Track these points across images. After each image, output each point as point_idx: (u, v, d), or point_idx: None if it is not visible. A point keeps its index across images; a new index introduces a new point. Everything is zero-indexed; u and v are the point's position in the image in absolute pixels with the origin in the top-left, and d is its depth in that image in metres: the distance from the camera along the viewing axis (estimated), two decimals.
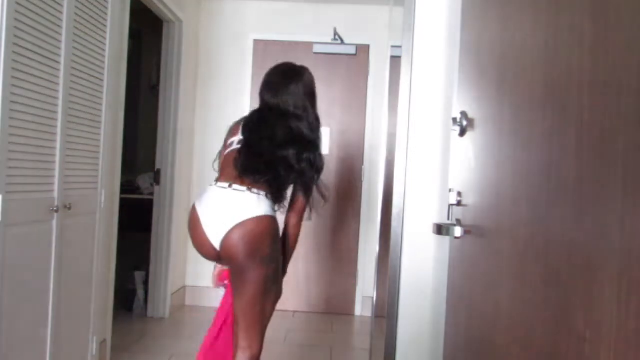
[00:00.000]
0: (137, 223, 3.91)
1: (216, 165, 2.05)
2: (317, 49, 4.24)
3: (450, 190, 1.46)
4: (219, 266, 2.11)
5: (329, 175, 4.30)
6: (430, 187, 2.04)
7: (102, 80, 2.46)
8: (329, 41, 4.22)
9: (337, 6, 4.26)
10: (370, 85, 4.28)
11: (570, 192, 0.78)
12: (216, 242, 1.86)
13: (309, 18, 4.28)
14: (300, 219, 2.01)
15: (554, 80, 0.86)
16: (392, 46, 2.71)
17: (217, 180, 1.94)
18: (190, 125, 4.20)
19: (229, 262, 1.88)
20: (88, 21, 2.28)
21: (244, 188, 1.85)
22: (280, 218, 1.97)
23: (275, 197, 1.92)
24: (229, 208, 1.84)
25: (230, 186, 1.86)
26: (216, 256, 1.91)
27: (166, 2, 3.43)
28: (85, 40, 2.27)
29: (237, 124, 2.08)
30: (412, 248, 2.05)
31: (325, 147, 4.30)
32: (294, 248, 2.05)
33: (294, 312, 4.25)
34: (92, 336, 2.51)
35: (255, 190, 1.86)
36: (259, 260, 1.83)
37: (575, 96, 0.78)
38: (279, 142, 1.91)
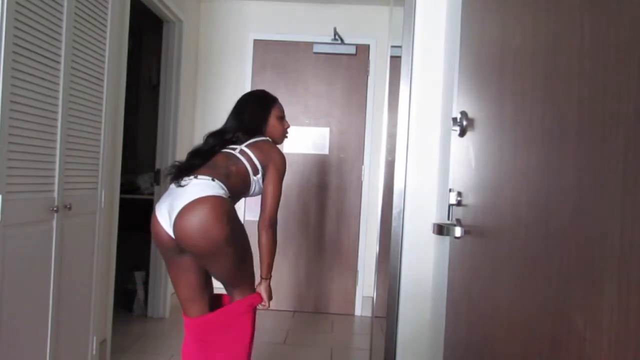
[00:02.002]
0: (137, 223, 3.91)
1: None
2: (317, 49, 4.24)
3: (450, 190, 1.46)
4: None
5: (329, 175, 4.30)
6: (430, 187, 2.04)
7: (102, 80, 2.46)
8: (329, 41, 4.22)
9: (337, 6, 4.26)
10: (370, 85, 4.28)
11: (570, 192, 0.78)
12: (168, 228, 1.89)
13: (309, 18, 4.28)
14: (267, 227, 2.00)
15: (554, 80, 0.86)
16: (392, 46, 2.71)
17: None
18: (190, 125, 4.20)
19: (190, 249, 1.88)
20: (88, 21, 2.28)
21: (191, 177, 1.92)
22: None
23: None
24: (177, 195, 1.90)
25: (178, 181, 1.94)
26: (174, 245, 1.92)
27: (166, 2, 3.43)
28: (85, 40, 2.27)
29: None
30: (412, 248, 2.05)
31: (325, 147, 4.30)
32: (267, 259, 2.02)
33: (294, 312, 4.26)
34: (92, 336, 2.51)
35: (201, 177, 1.91)
36: (222, 243, 1.84)
37: (575, 96, 0.78)
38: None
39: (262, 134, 2.17)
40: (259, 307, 2.09)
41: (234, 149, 2.07)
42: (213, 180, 1.90)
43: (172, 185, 1.97)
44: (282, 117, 2.24)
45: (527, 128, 0.96)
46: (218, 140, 2.10)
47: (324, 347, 3.46)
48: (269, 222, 2.00)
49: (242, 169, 2.02)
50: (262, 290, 2.08)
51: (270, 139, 2.18)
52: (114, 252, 2.91)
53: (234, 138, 2.10)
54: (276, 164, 2.05)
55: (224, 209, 1.85)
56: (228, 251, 1.88)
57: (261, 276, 2.07)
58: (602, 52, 0.71)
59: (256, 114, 2.18)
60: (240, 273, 2.01)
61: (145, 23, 3.81)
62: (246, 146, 2.06)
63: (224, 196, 1.89)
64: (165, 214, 1.90)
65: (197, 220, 1.81)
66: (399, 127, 2.09)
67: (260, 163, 2.04)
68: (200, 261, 1.96)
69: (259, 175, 2.05)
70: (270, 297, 2.09)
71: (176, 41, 3.81)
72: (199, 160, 2.00)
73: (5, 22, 1.72)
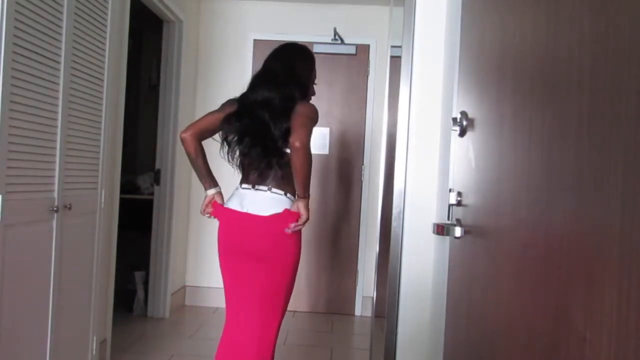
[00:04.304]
0: (137, 223, 3.91)
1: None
2: (317, 49, 4.24)
3: (450, 190, 1.46)
4: (210, 194, 2.13)
5: (329, 175, 4.30)
6: (430, 187, 2.04)
7: (102, 80, 2.46)
8: (329, 41, 4.22)
9: (337, 6, 4.26)
10: (370, 85, 4.28)
11: (570, 192, 0.78)
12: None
13: (309, 18, 4.28)
14: (298, 148, 1.87)
15: (554, 80, 0.86)
16: (392, 46, 2.71)
17: (241, 182, 2.08)
18: None
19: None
20: (88, 21, 2.28)
21: (265, 188, 2.02)
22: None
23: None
24: (261, 202, 2.00)
25: (253, 187, 2.03)
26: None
27: (166, 2, 3.43)
28: (85, 40, 2.27)
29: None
30: (412, 248, 2.05)
31: (325, 147, 4.30)
32: (301, 179, 1.94)
33: (294, 312, 4.26)
34: (92, 336, 2.51)
35: (275, 191, 2.02)
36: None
37: (575, 96, 0.78)
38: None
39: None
40: (292, 226, 1.99)
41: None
42: (285, 195, 2.02)
43: (244, 190, 2.04)
44: (315, 83, 2.22)
45: (527, 128, 0.96)
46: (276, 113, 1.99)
47: (324, 347, 3.46)
48: (301, 144, 1.87)
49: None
50: (299, 206, 1.99)
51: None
52: (114, 252, 2.91)
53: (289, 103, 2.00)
54: (302, 112, 1.97)
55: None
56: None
57: (298, 196, 2.00)
58: (602, 52, 0.71)
59: (308, 80, 2.15)
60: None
61: (145, 23, 3.81)
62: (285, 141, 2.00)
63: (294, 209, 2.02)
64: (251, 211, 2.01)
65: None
66: (399, 127, 2.09)
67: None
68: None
69: None
70: (307, 213, 2.00)
71: (176, 41, 3.81)
72: (271, 159, 1.99)
73: (5, 22, 1.72)
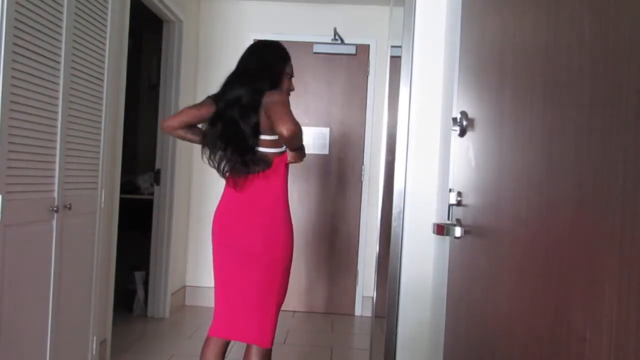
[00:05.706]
0: (137, 223, 3.91)
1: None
2: (317, 49, 4.24)
3: (450, 190, 1.46)
4: None
5: (329, 175, 4.30)
6: (430, 187, 2.04)
7: (102, 80, 2.46)
8: (329, 41, 4.22)
9: (337, 6, 4.26)
10: (370, 85, 4.28)
11: (570, 192, 0.78)
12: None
13: (309, 18, 4.28)
14: (286, 138, 1.88)
15: (554, 80, 0.86)
16: (392, 46, 2.71)
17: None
18: None
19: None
20: (88, 21, 2.28)
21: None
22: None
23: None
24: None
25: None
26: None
27: (166, 2, 3.43)
28: (85, 40, 2.27)
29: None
30: (412, 248, 2.05)
31: (325, 147, 4.30)
32: (293, 146, 1.99)
33: (294, 312, 4.26)
34: (92, 336, 2.51)
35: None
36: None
37: (575, 96, 0.78)
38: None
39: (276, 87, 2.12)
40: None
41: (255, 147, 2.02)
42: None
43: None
44: (292, 76, 2.21)
45: (527, 128, 0.96)
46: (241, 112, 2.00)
47: (324, 347, 3.46)
48: (288, 132, 1.85)
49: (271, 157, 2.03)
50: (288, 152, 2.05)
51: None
52: (114, 252, 2.91)
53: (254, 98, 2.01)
54: (274, 100, 1.96)
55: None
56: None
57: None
58: (602, 52, 0.71)
59: (280, 72, 2.14)
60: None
61: (145, 23, 3.81)
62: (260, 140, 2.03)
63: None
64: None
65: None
66: (399, 127, 2.09)
67: (269, 128, 1.98)
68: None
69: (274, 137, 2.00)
70: (294, 156, 2.05)
71: (176, 41, 3.81)
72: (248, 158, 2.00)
73: (5, 22, 1.72)
